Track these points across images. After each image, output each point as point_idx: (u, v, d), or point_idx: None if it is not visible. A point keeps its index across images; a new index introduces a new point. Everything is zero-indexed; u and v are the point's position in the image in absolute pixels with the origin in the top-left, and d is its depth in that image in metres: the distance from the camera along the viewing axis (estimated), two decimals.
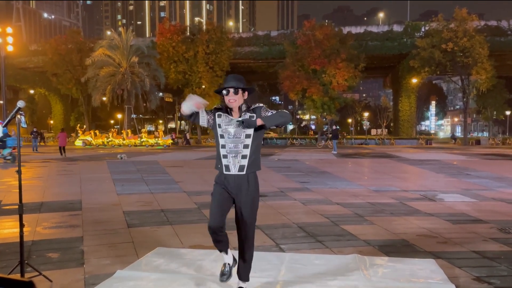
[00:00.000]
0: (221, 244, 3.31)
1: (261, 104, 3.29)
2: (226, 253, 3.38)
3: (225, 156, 3.22)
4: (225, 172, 3.23)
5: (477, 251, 4.60)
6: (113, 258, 4.38)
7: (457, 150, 29.71)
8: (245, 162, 3.20)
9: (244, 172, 3.21)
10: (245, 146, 3.21)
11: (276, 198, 8.23)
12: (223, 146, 3.23)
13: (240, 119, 3.18)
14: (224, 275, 3.34)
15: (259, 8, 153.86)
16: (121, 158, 19.80)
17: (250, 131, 3.21)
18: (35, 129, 30.16)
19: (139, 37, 54.12)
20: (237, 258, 3.43)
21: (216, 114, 3.26)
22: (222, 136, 3.23)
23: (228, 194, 3.25)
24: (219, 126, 3.23)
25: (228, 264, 3.37)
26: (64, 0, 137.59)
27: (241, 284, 3.39)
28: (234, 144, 3.20)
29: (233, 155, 3.20)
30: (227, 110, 3.26)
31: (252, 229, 3.30)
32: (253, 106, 3.26)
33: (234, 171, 3.21)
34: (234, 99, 3.19)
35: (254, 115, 3.20)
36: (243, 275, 3.38)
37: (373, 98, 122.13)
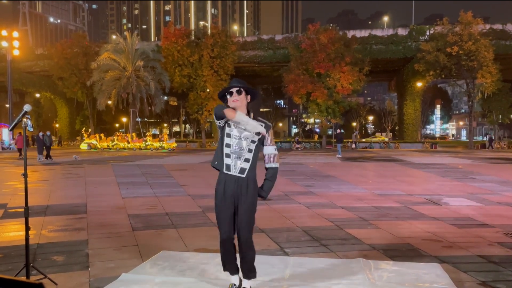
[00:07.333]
0: (228, 258, 3.32)
1: (271, 125, 3.37)
2: (232, 273, 3.40)
3: (228, 156, 3.25)
4: (225, 171, 3.25)
5: (483, 256, 4.57)
6: (118, 261, 4.39)
7: (462, 154, 29.56)
8: (246, 166, 3.24)
9: (245, 175, 3.25)
10: (249, 151, 3.26)
11: (281, 201, 8.22)
12: (228, 145, 3.26)
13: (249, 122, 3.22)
14: None
15: (264, 12, 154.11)
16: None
17: (256, 137, 3.27)
18: (41, 133, 30.33)
19: (144, 41, 54.36)
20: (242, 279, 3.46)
21: None
22: (229, 135, 3.26)
23: (230, 199, 3.26)
24: (228, 125, 3.26)
25: (234, 285, 3.40)
26: (70, 1, 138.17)
27: (245, 284, 3.39)
28: (239, 146, 3.23)
29: (236, 156, 3.23)
30: None
31: (251, 230, 3.31)
32: (261, 119, 3.33)
33: (234, 172, 3.24)
34: (237, 99, 3.24)
35: (263, 124, 3.27)
36: (246, 274, 3.38)
37: (378, 101, 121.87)
